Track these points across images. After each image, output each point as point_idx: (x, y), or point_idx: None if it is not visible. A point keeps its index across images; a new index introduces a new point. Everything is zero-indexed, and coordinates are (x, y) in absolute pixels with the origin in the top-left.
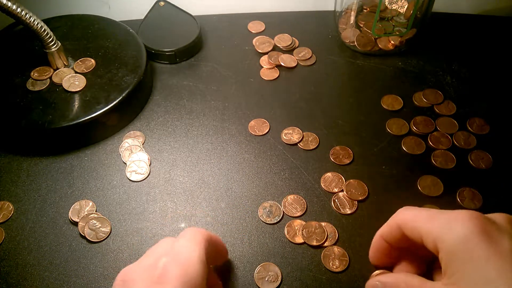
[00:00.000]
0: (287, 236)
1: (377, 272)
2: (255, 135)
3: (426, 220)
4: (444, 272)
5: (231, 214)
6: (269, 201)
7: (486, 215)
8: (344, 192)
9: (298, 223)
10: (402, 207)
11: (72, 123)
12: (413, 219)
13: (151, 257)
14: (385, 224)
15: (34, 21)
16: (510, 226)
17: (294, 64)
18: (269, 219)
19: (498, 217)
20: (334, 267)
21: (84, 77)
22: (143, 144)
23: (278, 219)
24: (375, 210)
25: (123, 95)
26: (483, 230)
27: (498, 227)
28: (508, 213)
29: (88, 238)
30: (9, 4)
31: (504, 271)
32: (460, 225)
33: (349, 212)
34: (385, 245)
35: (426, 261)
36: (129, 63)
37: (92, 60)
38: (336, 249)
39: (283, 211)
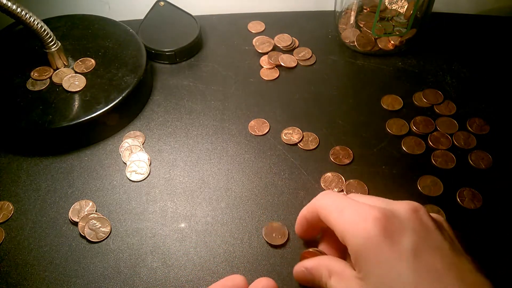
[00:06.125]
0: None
1: (308, 250)
2: (255, 135)
3: (336, 212)
4: (354, 265)
5: (231, 214)
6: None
7: (390, 207)
8: (344, 192)
9: None
10: None
11: (72, 123)
12: (325, 208)
13: None
14: (307, 205)
15: (34, 21)
16: (413, 216)
17: (294, 64)
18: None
19: (402, 210)
20: None
21: (84, 77)
22: (143, 144)
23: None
24: None
25: (123, 95)
26: (385, 230)
27: (400, 224)
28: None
29: (88, 238)
30: (9, 4)
31: (402, 272)
32: (364, 225)
33: None
34: (309, 224)
35: None
36: (129, 63)
37: (92, 60)
38: None
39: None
